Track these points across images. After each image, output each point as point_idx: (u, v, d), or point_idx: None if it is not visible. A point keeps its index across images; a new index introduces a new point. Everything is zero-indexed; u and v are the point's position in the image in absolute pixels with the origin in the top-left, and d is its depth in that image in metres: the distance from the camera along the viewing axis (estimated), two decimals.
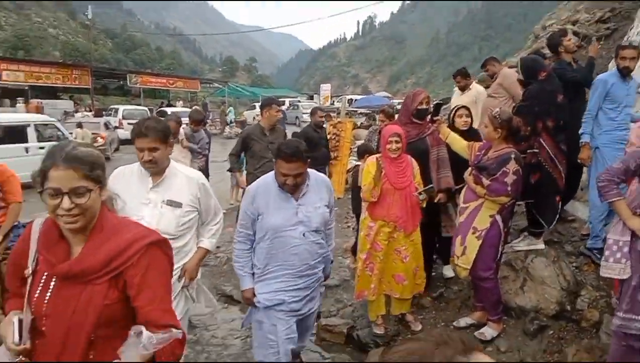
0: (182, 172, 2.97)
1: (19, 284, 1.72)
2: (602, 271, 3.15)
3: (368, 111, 21.47)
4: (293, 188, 2.92)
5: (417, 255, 4.21)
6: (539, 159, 4.36)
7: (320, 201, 3.07)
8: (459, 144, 4.37)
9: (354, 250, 6.00)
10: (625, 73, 4.60)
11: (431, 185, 4.19)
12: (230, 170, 6.43)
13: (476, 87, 6.60)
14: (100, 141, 16.71)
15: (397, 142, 4.02)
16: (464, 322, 4.28)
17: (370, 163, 4.18)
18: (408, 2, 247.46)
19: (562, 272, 4.31)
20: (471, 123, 4.78)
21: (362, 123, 17.42)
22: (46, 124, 12.20)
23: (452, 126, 4.72)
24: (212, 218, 3.14)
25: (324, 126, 7.87)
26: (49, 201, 1.58)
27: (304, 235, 2.98)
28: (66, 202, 1.56)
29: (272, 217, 2.95)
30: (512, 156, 3.78)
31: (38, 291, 1.63)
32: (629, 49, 4.62)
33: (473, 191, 3.95)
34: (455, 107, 5.01)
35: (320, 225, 3.06)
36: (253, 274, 3.11)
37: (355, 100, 31.24)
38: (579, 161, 4.69)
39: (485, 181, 3.83)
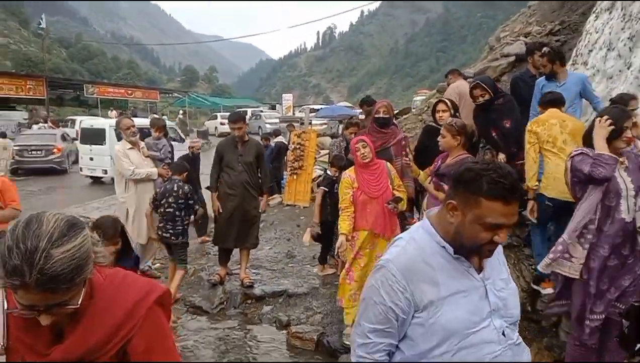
0: None
1: None
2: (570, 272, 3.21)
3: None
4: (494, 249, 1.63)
5: None
6: None
7: (505, 269, 1.77)
8: (424, 176, 4.58)
9: (320, 259, 6.08)
10: (547, 77, 5.13)
11: (399, 195, 4.33)
12: (208, 188, 6.27)
13: None
14: (55, 153, 16.31)
15: (364, 146, 4.20)
16: None
17: (344, 180, 4.32)
18: (367, 13, 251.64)
19: (522, 274, 4.51)
20: (451, 114, 4.85)
21: (325, 132, 17.59)
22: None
23: (435, 122, 4.93)
24: None
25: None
26: (21, 310, 1.24)
27: (503, 333, 1.63)
28: (45, 319, 1.24)
29: (451, 310, 1.56)
30: (470, 161, 3.96)
31: None
32: (542, 57, 5.23)
33: (435, 198, 4.11)
34: (435, 103, 5.21)
35: (519, 313, 1.77)
36: None
37: (318, 110, 31.47)
38: None
39: (446, 187, 4.00)
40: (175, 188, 5.32)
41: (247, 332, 4.96)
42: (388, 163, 4.42)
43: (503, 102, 4.72)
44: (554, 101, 4.42)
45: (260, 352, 4.57)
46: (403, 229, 4.97)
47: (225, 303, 5.45)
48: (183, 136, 16.63)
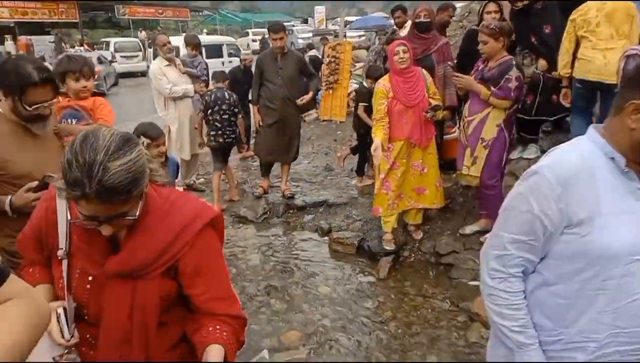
0: None
1: (36, 253, 1.53)
2: None
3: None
4: None
5: (435, 167, 4.42)
6: None
7: None
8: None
9: (357, 170, 6.16)
10: None
11: (437, 103, 4.28)
12: (250, 101, 6.31)
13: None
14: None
15: (404, 52, 4.10)
16: (469, 229, 4.50)
17: (378, 90, 4.26)
18: None
19: None
20: (501, 16, 4.68)
21: (360, 45, 17.10)
22: (230, 44, 17.54)
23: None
24: None
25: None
26: (83, 221, 1.29)
27: None
28: (106, 229, 1.29)
29: (610, 231, 1.35)
30: (513, 62, 3.88)
31: (76, 278, 1.43)
32: None
33: (478, 101, 4.04)
34: (484, 3, 4.95)
35: None
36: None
37: (352, 22, 30.36)
38: None
39: (492, 88, 3.93)
40: (227, 96, 5.54)
41: (290, 238, 5.22)
42: (424, 70, 4.31)
43: (543, 5, 4.45)
44: None
45: (304, 255, 4.82)
46: (442, 138, 4.97)
47: (268, 213, 5.68)
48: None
